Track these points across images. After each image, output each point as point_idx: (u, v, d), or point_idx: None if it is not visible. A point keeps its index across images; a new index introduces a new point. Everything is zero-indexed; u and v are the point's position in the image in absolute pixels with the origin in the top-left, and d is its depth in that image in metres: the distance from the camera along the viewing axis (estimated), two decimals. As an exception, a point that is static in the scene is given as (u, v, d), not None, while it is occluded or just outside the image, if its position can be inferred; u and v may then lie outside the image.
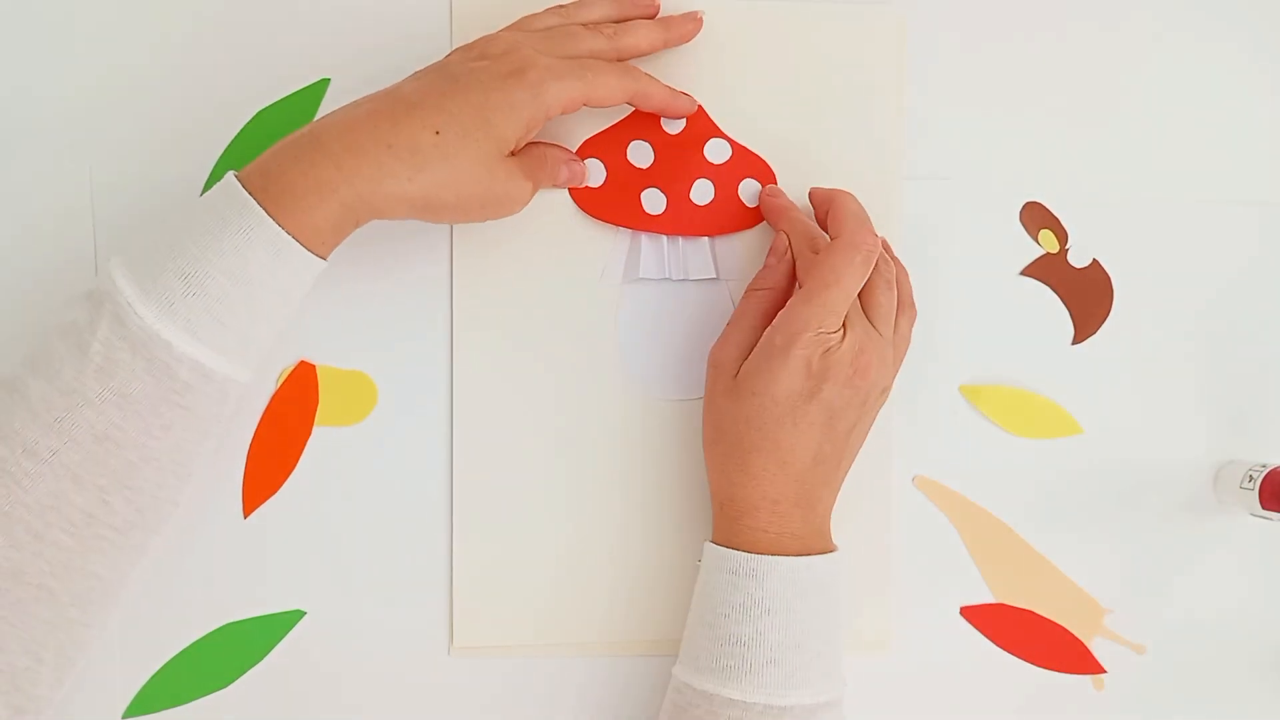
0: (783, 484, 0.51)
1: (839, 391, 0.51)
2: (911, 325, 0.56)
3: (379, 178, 0.47)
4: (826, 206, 0.55)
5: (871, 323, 0.52)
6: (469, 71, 0.50)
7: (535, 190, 0.53)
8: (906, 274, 0.56)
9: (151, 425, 0.46)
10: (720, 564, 0.52)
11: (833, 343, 0.50)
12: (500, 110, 0.49)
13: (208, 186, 0.56)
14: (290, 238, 0.46)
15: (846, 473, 0.54)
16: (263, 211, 0.46)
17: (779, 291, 0.54)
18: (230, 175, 0.47)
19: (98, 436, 0.45)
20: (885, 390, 0.54)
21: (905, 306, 0.55)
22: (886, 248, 0.56)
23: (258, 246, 0.46)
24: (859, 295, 0.52)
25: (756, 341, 0.52)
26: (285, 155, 0.47)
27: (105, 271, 0.47)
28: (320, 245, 0.48)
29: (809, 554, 0.51)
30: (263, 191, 0.46)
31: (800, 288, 0.52)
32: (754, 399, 0.51)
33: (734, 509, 0.52)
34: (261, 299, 0.47)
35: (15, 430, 0.45)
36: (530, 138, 0.52)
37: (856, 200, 0.55)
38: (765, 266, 0.55)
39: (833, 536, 0.54)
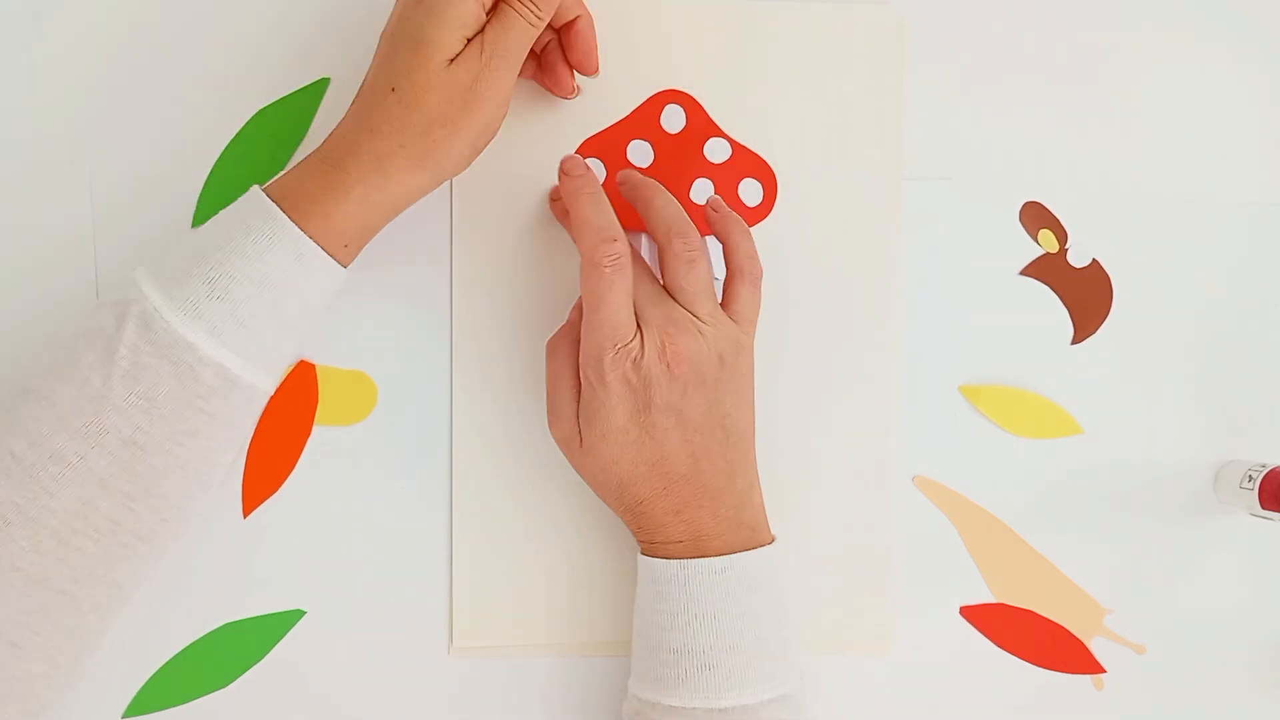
0: (675, 494, 0.51)
1: (668, 389, 0.50)
2: (756, 286, 0.53)
3: (375, 153, 0.48)
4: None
5: (685, 306, 0.51)
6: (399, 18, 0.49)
7: (506, 65, 0.49)
8: (747, 234, 0.53)
9: (177, 431, 0.47)
10: (646, 574, 0.52)
11: (635, 351, 0.49)
12: (427, 13, 0.47)
13: (207, 185, 0.56)
14: (312, 242, 0.47)
15: (746, 452, 0.52)
16: (285, 217, 0.47)
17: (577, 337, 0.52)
18: (255, 187, 0.49)
19: (124, 441, 0.46)
20: (723, 358, 0.51)
21: (742, 274, 0.53)
22: (715, 205, 0.55)
23: (281, 251, 0.47)
24: (667, 283, 0.52)
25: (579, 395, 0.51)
26: (301, 169, 0.49)
27: (131, 279, 0.47)
28: (341, 250, 0.49)
29: (732, 552, 0.51)
30: (284, 199, 0.48)
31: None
32: (604, 442, 0.50)
33: (644, 533, 0.52)
34: (284, 304, 0.48)
35: (43, 435, 0.45)
36: (477, 26, 0.48)
37: (594, 201, 0.51)
38: (567, 322, 0.54)
39: (770, 528, 0.53)
